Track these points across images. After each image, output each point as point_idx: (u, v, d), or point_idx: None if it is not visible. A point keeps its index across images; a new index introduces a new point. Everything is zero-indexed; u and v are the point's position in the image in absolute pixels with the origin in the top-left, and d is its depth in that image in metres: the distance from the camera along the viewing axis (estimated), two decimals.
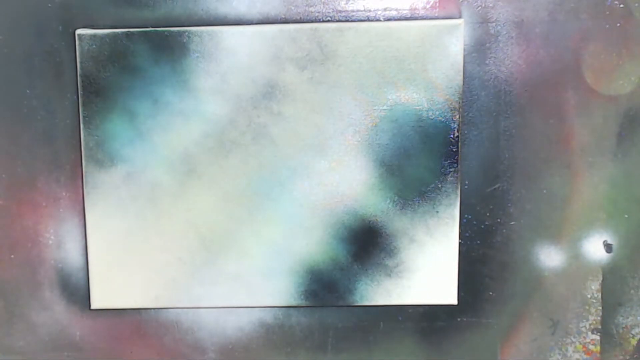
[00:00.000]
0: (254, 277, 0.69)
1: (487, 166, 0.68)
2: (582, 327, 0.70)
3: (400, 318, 0.70)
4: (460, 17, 0.66)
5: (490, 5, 0.66)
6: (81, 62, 0.66)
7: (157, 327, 0.71)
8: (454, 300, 0.69)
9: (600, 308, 0.70)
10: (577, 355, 0.70)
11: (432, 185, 0.67)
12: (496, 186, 0.68)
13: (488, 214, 0.68)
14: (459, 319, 0.70)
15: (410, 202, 0.67)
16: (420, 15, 0.66)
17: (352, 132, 0.66)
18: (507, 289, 0.69)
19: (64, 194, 0.69)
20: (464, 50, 0.66)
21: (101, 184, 0.68)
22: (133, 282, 0.69)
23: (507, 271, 0.69)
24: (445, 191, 0.67)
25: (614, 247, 0.69)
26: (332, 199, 0.67)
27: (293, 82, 0.66)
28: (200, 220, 0.68)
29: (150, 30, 0.65)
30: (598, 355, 0.70)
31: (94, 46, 0.66)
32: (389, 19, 0.66)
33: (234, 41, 0.65)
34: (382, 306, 0.69)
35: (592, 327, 0.70)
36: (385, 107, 0.66)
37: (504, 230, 0.69)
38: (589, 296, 0.69)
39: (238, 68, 0.66)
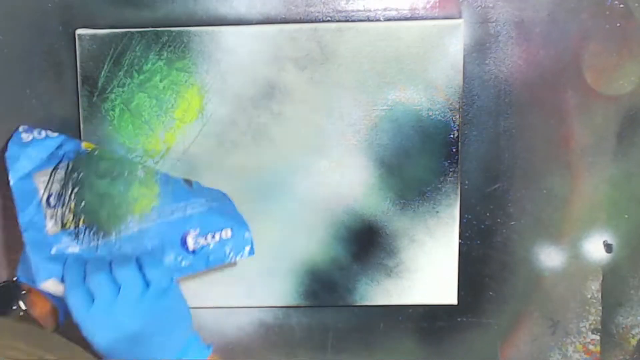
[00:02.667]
0: (254, 277, 0.69)
1: (487, 166, 0.68)
2: (582, 327, 0.70)
3: (400, 318, 0.70)
4: (460, 17, 0.66)
5: (490, 5, 0.66)
6: (81, 62, 0.66)
7: None
8: (454, 300, 0.69)
9: (600, 308, 0.70)
10: (577, 355, 0.70)
11: (432, 185, 0.67)
12: (496, 186, 0.68)
13: (488, 214, 0.68)
14: (459, 319, 0.70)
15: (410, 202, 0.67)
16: (420, 15, 0.66)
17: (352, 132, 0.66)
18: (507, 289, 0.69)
19: None
20: (464, 50, 0.66)
21: None
22: None
23: (507, 271, 0.69)
24: (445, 191, 0.67)
25: (614, 247, 0.69)
26: (332, 199, 0.67)
27: (293, 82, 0.66)
28: None
29: (150, 30, 0.65)
30: (598, 355, 0.70)
31: (94, 46, 0.66)
32: (389, 19, 0.66)
33: (234, 41, 0.65)
34: (382, 306, 0.69)
35: (592, 327, 0.70)
36: (385, 107, 0.66)
37: (504, 230, 0.69)
38: (589, 296, 0.69)
39: (238, 68, 0.66)
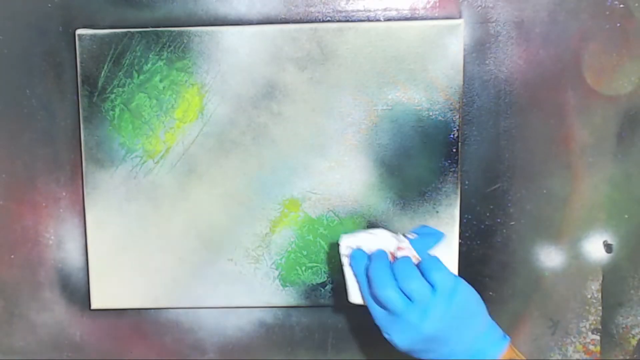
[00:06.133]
0: (254, 277, 0.69)
1: (487, 166, 0.68)
2: (582, 327, 0.70)
3: None
4: (460, 17, 0.66)
5: (490, 5, 0.66)
6: (81, 62, 0.66)
7: (157, 327, 0.71)
8: None
9: (600, 308, 0.70)
10: (577, 355, 0.70)
11: (432, 185, 0.67)
12: (496, 186, 0.68)
13: (488, 214, 0.68)
14: None
15: (410, 202, 0.67)
16: (420, 15, 0.66)
17: (352, 132, 0.66)
18: (507, 289, 0.69)
19: (64, 194, 0.69)
20: (464, 50, 0.66)
21: (101, 184, 0.68)
22: (133, 282, 0.69)
23: (507, 271, 0.69)
24: (445, 191, 0.67)
25: (614, 247, 0.69)
26: (332, 199, 0.67)
27: (293, 82, 0.66)
28: (200, 220, 0.68)
29: (151, 31, 0.65)
30: (598, 355, 0.70)
31: (94, 46, 0.66)
32: (389, 19, 0.66)
33: (234, 41, 0.65)
34: None
35: (592, 327, 0.70)
36: (385, 107, 0.66)
37: (504, 230, 0.69)
38: (589, 296, 0.69)
39: (238, 68, 0.66)
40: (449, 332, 0.55)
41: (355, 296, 0.60)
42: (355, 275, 0.59)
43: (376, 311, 0.57)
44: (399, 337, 0.56)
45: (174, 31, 0.65)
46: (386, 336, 0.57)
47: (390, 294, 0.55)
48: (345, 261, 0.60)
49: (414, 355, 0.57)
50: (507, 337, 0.57)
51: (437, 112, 0.66)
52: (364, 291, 0.58)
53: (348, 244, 0.60)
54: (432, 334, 0.55)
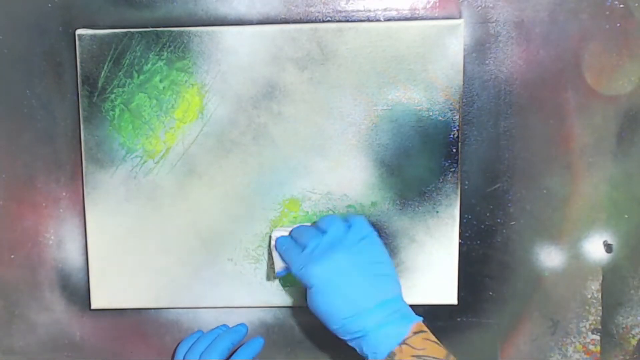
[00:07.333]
0: (254, 277, 0.69)
1: (487, 166, 0.68)
2: (582, 327, 0.70)
3: None
4: (460, 17, 0.66)
5: (490, 5, 0.66)
6: (81, 62, 0.66)
7: (157, 327, 0.71)
8: (454, 300, 0.69)
9: (600, 308, 0.70)
10: (577, 355, 0.70)
11: (432, 185, 0.67)
12: (496, 186, 0.68)
13: (488, 214, 0.68)
14: (459, 319, 0.70)
15: (410, 202, 0.67)
16: (420, 15, 0.66)
17: (352, 132, 0.66)
18: (507, 289, 0.69)
19: (64, 194, 0.69)
20: (464, 50, 0.66)
21: (101, 184, 0.68)
22: (133, 282, 0.69)
23: (507, 271, 0.69)
24: (445, 191, 0.67)
25: (614, 247, 0.69)
26: (332, 199, 0.67)
27: (293, 82, 0.66)
28: (200, 220, 0.68)
29: (151, 31, 0.65)
30: (598, 355, 0.70)
31: (94, 46, 0.66)
32: (389, 19, 0.66)
33: (234, 41, 0.65)
34: None
35: (592, 327, 0.70)
36: (385, 107, 0.66)
37: (504, 230, 0.69)
38: (589, 296, 0.69)
39: (238, 68, 0.66)
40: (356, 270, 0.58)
41: (279, 266, 0.64)
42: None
43: (293, 255, 0.61)
44: (314, 267, 0.58)
45: (174, 31, 0.65)
46: (301, 273, 0.59)
47: (309, 230, 0.62)
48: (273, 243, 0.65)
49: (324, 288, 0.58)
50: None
51: (437, 112, 0.66)
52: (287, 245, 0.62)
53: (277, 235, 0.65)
54: (343, 265, 0.58)
